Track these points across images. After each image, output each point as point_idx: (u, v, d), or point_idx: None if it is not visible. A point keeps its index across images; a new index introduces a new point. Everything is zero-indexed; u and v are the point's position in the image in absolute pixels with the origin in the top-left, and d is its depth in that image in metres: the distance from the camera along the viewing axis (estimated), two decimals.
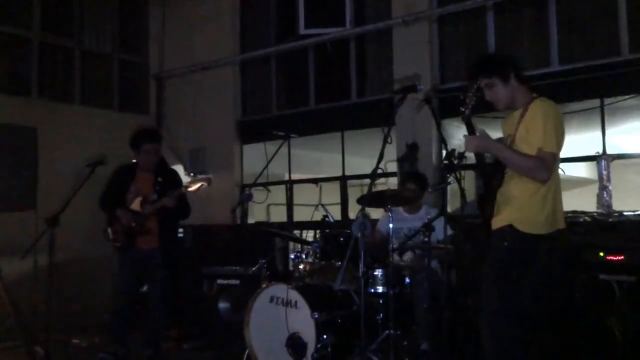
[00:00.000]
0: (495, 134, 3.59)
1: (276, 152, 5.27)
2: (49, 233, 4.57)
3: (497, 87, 3.38)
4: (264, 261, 5.24)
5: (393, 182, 7.12)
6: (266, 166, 5.29)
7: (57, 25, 8.18)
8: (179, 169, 7.93)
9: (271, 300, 4.56)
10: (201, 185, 4.86)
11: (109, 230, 5.00)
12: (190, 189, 4.90)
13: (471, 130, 3.02)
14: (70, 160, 7.03)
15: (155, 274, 5.05)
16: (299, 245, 5.46)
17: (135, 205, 4.96)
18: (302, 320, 4.31)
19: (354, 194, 7.29)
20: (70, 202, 4.65)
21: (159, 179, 4.95)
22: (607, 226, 5.14)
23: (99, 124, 8.18)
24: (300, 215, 8.05)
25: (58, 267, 4.74)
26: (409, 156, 6.58)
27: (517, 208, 3.26)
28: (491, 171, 3.21)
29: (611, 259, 4.56)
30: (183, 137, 8.63)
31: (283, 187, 8.14)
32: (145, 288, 5.38)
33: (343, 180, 7.64)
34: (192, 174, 8.10)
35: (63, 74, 8.24)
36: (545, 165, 3.19)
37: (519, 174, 3.26)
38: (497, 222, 3.34)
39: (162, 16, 8.99)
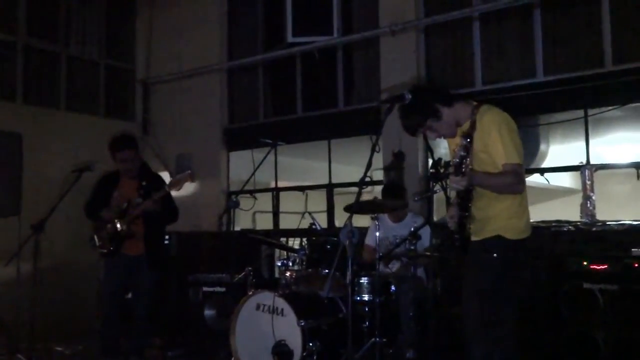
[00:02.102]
0: None
1: (263, 159, 5.28)
2: (33, 239, 4.53)
3: (435, 126, 3.36)
4: (250, 268, 5.24)
5: (379, 191, 7.14)
6: (253, 173, 5.30)
7: (43, 30, 8.13)
8: (165, 175, 7.88)
9: (257, 307, 4.56)
10: (182, 183, 4.81)
11: (95, 236, 4.97)
12: (173, 191, 4.86)
13: (459, 171, 3.02)
14: (56, 167, 6.99)
15: (141, 281, 5.02)
16: (286, 253, 5.46)
17: (122, 209, 4.92)
18: (289, 328, 4.31)
19: (340, 201, 7.30)
20: (55, 208, 4.63)
21: (143, 183, 4.93)
22: (590, 235, 5.20)
23: (85, 130, 8.12)
24: (286, 222, 8.04)
25: (42, 274, 4.71)
26: (395, 165, 6.61)
27: (501, 220, 3.27)
28: (465, 194, 3.20)
29: (595, 268, 4.62)
30: (169, 143, 8.60)
31: (269, 194, 8.14)
32: (130, 295, 5.34)
33: (329, 188, 7.65)
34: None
35: (48, 79, 8.19)
36: (519, 177, 3.21)
37: (501, 194, 3.25)
38: (480, 235, 3.31)
39: (149, 22, 8.98)
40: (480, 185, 3.20)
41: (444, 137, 3.47)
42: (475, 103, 3.37)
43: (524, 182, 3.26)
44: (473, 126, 3.19)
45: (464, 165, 2.99)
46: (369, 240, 5.42)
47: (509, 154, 3.18)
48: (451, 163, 3.07)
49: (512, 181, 3.18)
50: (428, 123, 3.35)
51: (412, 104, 3.40)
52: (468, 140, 2.99)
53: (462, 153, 2.98)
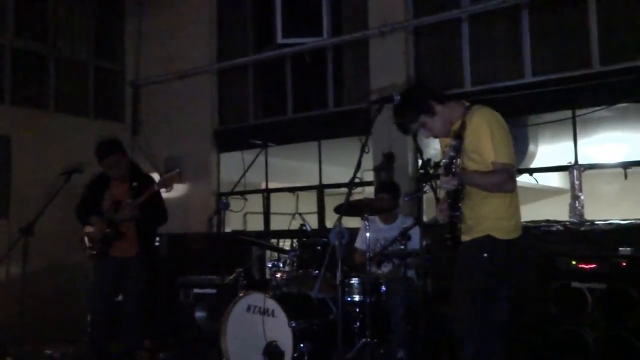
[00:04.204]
0: None
1: (253, 160, 5.29)
2: (22, 242, 4.51)
3: (428, 123, 3.35)
4: (240, 270, 5.24)
5: (370, 192, 7.16)
6: (243, 175, 5.30)
7: (31, 31, 8.08)
8: (155, 177, 7.86)
9: (248, 309, 4.56)
10: (171, 182, 4.82)
11: (85, 238, 4.95)
12: (163, 191, 4.87)
13: (449, 171, 3.03)
14: (45, 169, 6.95)
15: (131, 283, 5.01)
16: (276, 254, 5.46)
17: (111, 211, 4.91)
18: (279, 329, 4.32)
19: (330, 203, 7.31)
20: (44, 210, 4.61)
21: (134, 184, 4.92)
22: (579, 235, 5.23)
23: (74, 131, 8.08)
24: (277, 224, 8.04)
25: (31, 276, 4.69)
26: (385, 165, 6.63)
27: (490, 219, 3.27)
28: (455, 193, 3.21)
29: (583, 267, 4.65)
30: (159, 145, 8.58)
31: (260, 195, 8.14)
32: (120, 297, 5.33)
33: (320, 189, 7.66)
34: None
35: (37, 81, 8.14)
36: (509, 176, 3.22)
37: (491, 193, 3.25)
38: (470, 235, 3.30)
39: (139, 23, 8.95)
40: (470, 184, 3.20)
41: (437, 137, 3.46)
42: (467, 104, 3.37)
43: (514, 181, 3.26)
44: (463, 126, 3.20)
45: (453, 165, 3.00)
46: (358, 243, 5.41)
47: (499, 152, 3.18)
48: (441, 163, 3.07)
49: (502, 179, 3.19)
50: (421, 119, 3.35)
51: (405, 100, 3.41)
52: (458, 140, 3.01)
53: (452, 153, 2.99)
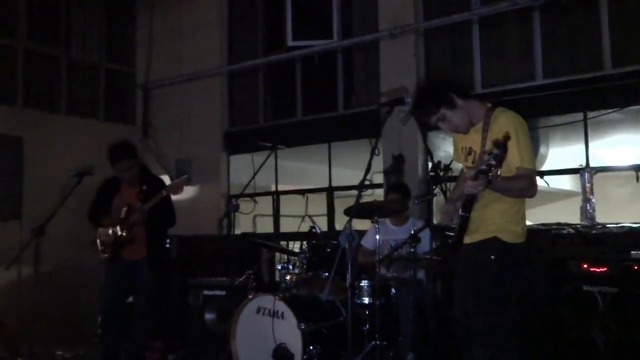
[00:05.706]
0: None
1: (263, 163, 5.29)
2: (34, 243, 4.54)
3: (448, 116, 3.31)
4: (250, 272, 5.25)
5: (379, 194, 7.15)
6: (253, 177, 5.31)
7: (43, 34, 8.15)
8: (166, 179, 7.89)
9: (258, 311, 4.56)
10: (180, 187, 4.85)
11: (97, 241, 4.98)
12: (173, 194, 4.90)
13: (484, 177, 2.95)
14: (56, 170, 6.99)
15: (141, 285, 5.03)
16: (286, 256, 5.47)
17: (122, 215, 4.95)
18: (289, 331, 4.32)
19: (340, 205, 7.31)
20: (56, 212, 4.64)
21: (144, 187, 4.95)
22: (590, 238, 5.19)
23: (85, 133, 8.13)
24: (286, 226, 8.05)
25: (43, 278, 4.72)
26: (395, 168, 6.61)
27: (498, 222, 3.26)
28: (472, 195, 3.17)
29: (594, 270, 4.62)
30: (169, 147, 8.61)
31: (270, 198, 8.14)
32: (131, 299, 5.35)
33: (330, 191, 7.65)
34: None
35: (49, 83, 8.20)
36: (533, 182, 3.20)
37: (512, 197, 3.23)
38: (476, 237, 3.29)
39: (150, 26, 8.99)
40: (495, 189, 3.14)
41: (456, 131, 3.42)
42: (489, 105, 3.34)
43: (536, 186, 3.24)
44: (507, 137, 3.03)
45: (490, 174, 2.87)
46: (365, 242, 5.39)
47: (524, 158, 3.16)
48: (478, 168, 2.90)
49: (525, 185, 3.17)
50: (442, 111, 3.31)
51: (426, 91, 3.39)
52: (501, 149, 2.83)
53: (493, 162, 2.82)
